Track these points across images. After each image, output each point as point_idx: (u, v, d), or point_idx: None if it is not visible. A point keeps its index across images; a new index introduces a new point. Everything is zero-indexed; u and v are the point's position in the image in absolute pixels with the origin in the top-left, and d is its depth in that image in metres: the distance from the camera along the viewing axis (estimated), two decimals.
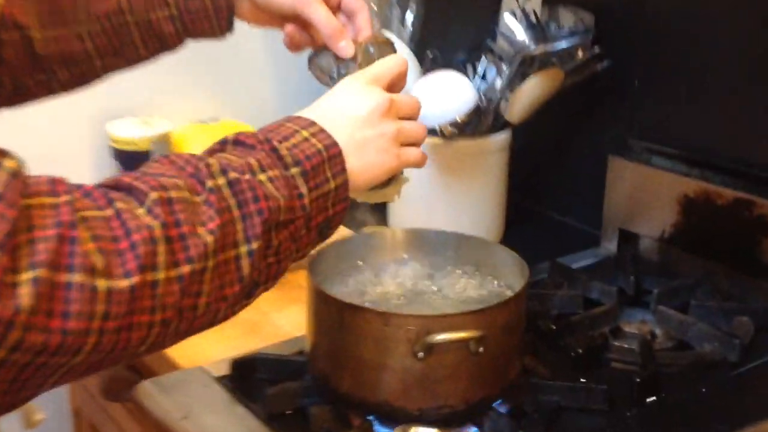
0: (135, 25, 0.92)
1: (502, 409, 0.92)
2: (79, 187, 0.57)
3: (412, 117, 0.83)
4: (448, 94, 1.22)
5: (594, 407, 0.94)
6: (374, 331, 0.86)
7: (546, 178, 1.48)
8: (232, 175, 0.64)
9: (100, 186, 0.60)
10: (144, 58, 0.96)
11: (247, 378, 0.99)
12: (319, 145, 0.71)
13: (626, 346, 1.04)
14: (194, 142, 1.41)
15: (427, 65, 1.30)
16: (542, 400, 0.94)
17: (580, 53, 1.25)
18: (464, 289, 1.00)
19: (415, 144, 0.82)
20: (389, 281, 1.01)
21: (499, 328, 0.88)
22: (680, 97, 1.25)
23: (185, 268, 0.59)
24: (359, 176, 0.75)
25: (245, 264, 0.64)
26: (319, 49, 0.94)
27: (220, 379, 0.99)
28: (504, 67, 1.25)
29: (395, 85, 0.83)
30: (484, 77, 1.28)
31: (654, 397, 0.97)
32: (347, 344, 0.89)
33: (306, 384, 0.95)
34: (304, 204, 0.69)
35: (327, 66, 0.93)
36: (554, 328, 1.07)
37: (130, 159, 1.44)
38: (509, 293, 0.95)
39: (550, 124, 1.36)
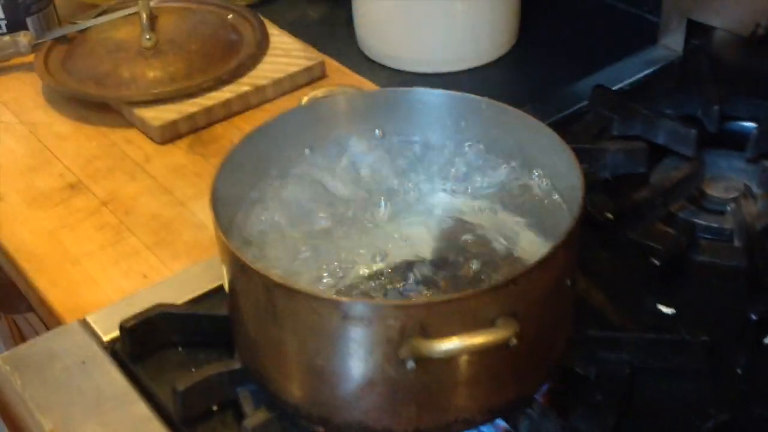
0: None
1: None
2: None
3: None
4: None
5: (689, 367, 0.60)
6: (328, 328, 0.50)
7: None
8: None
9: None
10: None
11: (147, 343, 0.64)
12: None
13: (719, 226, 0.72)
14: None
15: None
16: (606, 360, 0.60)
17: None
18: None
19: None
20: (362, 182, 0.64)
21: (542, 299, 0.51)
22: None
23: None
24: None
25: None
26: None
27: (109, 346, 0.65)
28: None
29: None
30: None
31: None
32: (288, 344, 0.52)
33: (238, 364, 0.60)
34: None
35: None
36: (611, 217, 0.70)
37: None
38: (557, 199, 0.58)
39: None
